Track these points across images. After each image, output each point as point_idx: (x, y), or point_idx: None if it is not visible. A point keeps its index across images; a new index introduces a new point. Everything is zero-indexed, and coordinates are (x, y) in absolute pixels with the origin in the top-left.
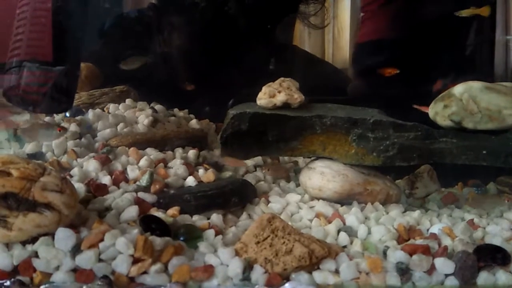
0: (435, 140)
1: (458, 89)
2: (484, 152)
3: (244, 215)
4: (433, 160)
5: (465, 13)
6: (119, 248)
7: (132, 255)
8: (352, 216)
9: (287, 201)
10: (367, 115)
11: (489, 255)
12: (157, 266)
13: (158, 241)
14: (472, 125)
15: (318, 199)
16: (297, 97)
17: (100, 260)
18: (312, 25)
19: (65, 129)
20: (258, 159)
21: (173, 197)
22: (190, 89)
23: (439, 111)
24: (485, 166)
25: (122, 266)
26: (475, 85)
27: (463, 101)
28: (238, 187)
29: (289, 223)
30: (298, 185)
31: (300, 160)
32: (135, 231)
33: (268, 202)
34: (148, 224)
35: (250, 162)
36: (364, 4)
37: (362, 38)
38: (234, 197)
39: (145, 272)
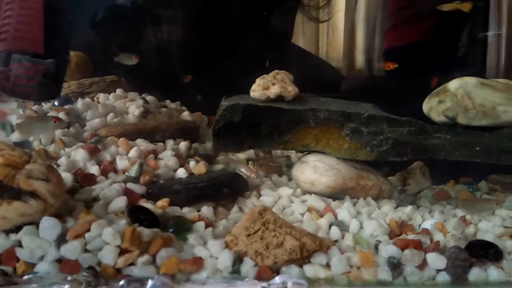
0: (429, 135)
1: (453, 84)
2: (478, 148)
3: (235, 208)
4: (426, 156)
5: (447, 7)
6: (106, 239)
7: (119, 246)
8: (344, 210)
9: (279, 195)
10: (362, 109)
11: (481, 251)
12: (145, 257)
13: (146, 232)
14: (466, 121)
15: (310, 193)
16: (291, 90)
17: (86, 251)
18: (314, 18)
19: (60, 120)
20: (251, 153)
21: (162, 188)
22: (184, 80)
23: (433, 107)
24: (477, 164)
25: (108, 257)
26: (470, 81)
27: (458, 97)
28: (229, 180)
29: (280, 217)
30: (290, 179)
31: (293, 155)
32: (123, 221)
33: (260, 195)
34: (137, 215)
35: (242, 156)
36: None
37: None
38: (227, 189)
39: (132, 264)
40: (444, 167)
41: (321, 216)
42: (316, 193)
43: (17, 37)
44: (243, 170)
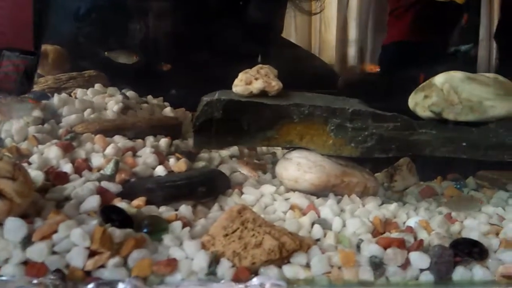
0: (415, 131)
1: (439, 78)
2: (464, 144)
3: (215, 207)
4: (412, 152)
5: None
6: (74, 240)
7: (89, 248)
8: (327, 208)
9: (261, 193)
10: (346, 105)
11: (465, 250)
12: (116, 259)
13: (117, 233)
14: (452, 117)
15: (294, 190)
16: (275, 85)
17: (53, 253)
18: (305, 11)
19: (37, 102)
20: (235, 149)
21: (139, 187)
22: (163, 68)
23: (419, 102)
24: (466, 160)
25: (77, 259)
26: (457, 75)
27: (444, 92)
28: (210, 178)
29: (262, 215)
30: (274, 176)
31: (279, 151)
32: (94, 222)
33: (242, 193)
34: (109, 215)
35: (225, 152)
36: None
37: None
38: (204, 187)
39: (102, 266)
40: (433, 163)
41: (304, 214)
42: (300, 191)
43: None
44: (244, 172)
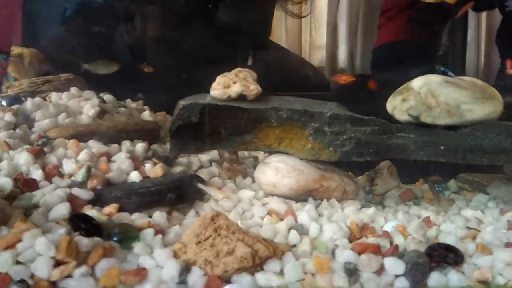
0: (393, 135)
1: (417, 82)
2: (442, 148)
3: (191, 213)
4: (390, 156)
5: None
6: (39, 250)
7: (54, 257)
8: (304, 213)
9: (239, 198)
10: (325, 109)
11: (441, 255)
12: (82, 269)
13: (85, 241)
14: (430, 120)
15: (272, 195)
16: (253, 89)
17: (17, 263)
18: (293, 14)
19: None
20: (214, 154)
21: (111, 193)
22: (146, 72)
23: (397, 105)
24: (449, 162)
25: (42, 269)
26: (434, 79)
27: (422, 95)
28: (187, 183)
29: (238, 221)
30: (255, 181)
31: (261, 155)
32: (61, 231)
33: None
34: (77, 223)
35: (205, 157)
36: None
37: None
38: (174, 194)
39: (68, 276)
40: (416, 166)
41: (282, 219)
42: (278, 196)
43: None
44: (212, 194)
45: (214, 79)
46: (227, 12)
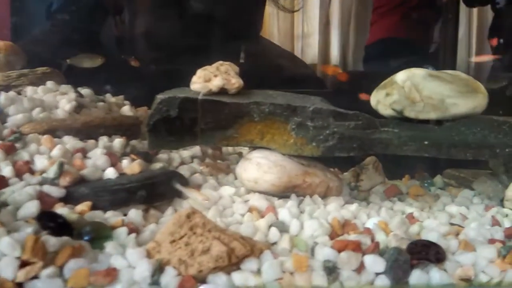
0: (376, 130)
1: (400, 76)
2: (426, 143)
3: (169, 210)
4: (374, 151)
5: None
6: (3, 250)
7: (20, 258)
8: (285, 210)
9: (220, 195)
10: (308, 103)
11: (422, 252)
12: (50, 270)
13: (52, 241)
14: (414, 115)
15: (254, 192)
16: (235, 82)
17: None
18: (285, 9)
19: None
20: (196, 150)
21: (84, 190)
22: (133, 65)
23: (381, 100)
24: (435, 158)
25: (6, 270)
26: (418, 72)
27: (405, 89)
28: (164, 180)
29: (218, 219)
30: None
31: (245, 151)
32: (29, 229)
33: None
34: (46, 221)
35: (186, 153)
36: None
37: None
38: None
39: (35, 277)
40: (402, 161)
41: (263, 216)
42: (260, 192)
43: None
44: (191, 196)
45: (193, 72)
46: (235, 5)
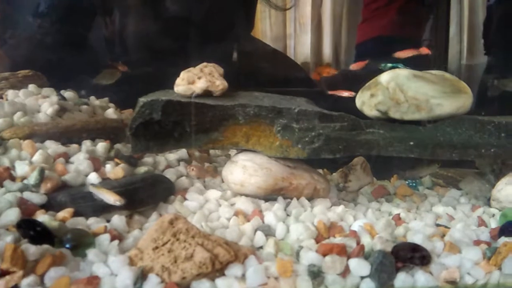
0: (362, 131)
1: (385, 77)
2: (412, 143)
3: (154, 216)
4: (359, 152)
5: None
6: None
7: None
8: (271, 213)
9: (206, 199)
10: (293, 105)
11: (407, 255)
12: (30, 279)
13: (32, 249)
14: (399, 115)
15: (241, 195)
16: (219, 84)
17: None
18: (277, 7)
19: None
20: (183, 152)
21: (65, 197)
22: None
23: (366, 101)
24: (423, 158)
25: None
26: (402, 73)
27: (390, 90)
28: (148, 184)
29: (203, 223)
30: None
31: (233, 154)
32: (8, 238)
33: (185, 199)
34: (26, 229)
35: (173, 156)
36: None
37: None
38: (140, 195)
39: (15, 286)
40: (390, 161)
41: (249, 220)
42: (247, 195)
43: None
44: (104, 197)
45: (175, 75)
46: (236, 9)
